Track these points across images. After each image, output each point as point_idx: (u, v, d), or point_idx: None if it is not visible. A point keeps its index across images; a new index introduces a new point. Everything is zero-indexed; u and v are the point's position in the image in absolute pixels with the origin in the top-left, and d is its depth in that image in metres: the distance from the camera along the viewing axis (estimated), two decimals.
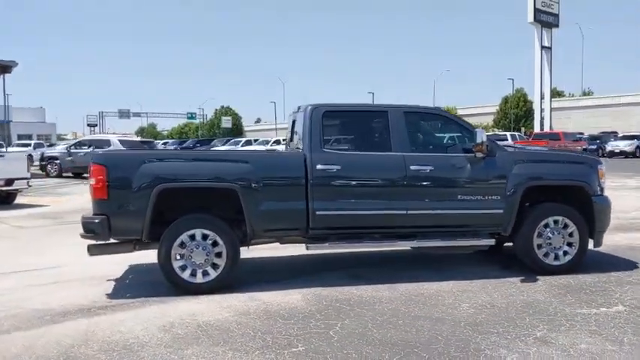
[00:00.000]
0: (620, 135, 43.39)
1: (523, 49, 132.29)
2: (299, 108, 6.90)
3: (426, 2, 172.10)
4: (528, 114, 64.73)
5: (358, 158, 6.42)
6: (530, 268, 6.63)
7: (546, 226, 6.58)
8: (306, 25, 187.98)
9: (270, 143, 38.81)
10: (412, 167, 6.34)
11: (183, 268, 5.95)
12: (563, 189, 6.86)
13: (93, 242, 6.16)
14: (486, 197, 6.48)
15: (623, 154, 38.18)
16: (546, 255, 6.59)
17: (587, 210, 6.67)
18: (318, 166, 6.17)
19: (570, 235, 6.61)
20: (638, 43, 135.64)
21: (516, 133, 45.17)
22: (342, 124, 6.58)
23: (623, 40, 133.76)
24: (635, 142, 39.05)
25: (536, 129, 47.71)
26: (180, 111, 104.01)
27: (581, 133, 44.53)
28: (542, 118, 48.53)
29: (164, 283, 6.27)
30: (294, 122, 7.24)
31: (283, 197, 6.17)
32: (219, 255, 6.00)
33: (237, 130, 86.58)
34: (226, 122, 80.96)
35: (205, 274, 5.99)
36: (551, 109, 49.37)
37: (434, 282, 6.34)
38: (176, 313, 5.36)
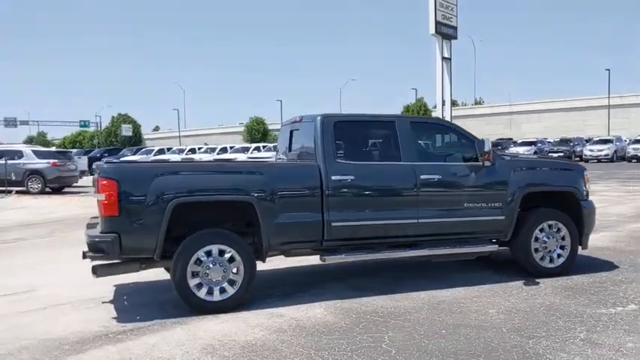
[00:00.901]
0: (520, 141, 46.18)
1: (424, 61, 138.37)
2: (302, 118, 6.77)
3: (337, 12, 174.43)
4: None
5: (371, 168, 6.38)
6: (525, 271, 6.88)
7: (542, 230, 6.86)
8: (205, 42, 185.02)
9: (190, 151, 37.82)
10: (422, 176, 6.39)
11: (199, 286, 5.65)
12: (554, 194, 7.17)
13: (99, 262, 5.69)
14: (490, 204, 6.65)
15: None
16: (542, 258, 6.86)
17: (576, 214, 7.03)
18: (334, 177, 6.08)
19: (563, 238, 6.93)
20: (523, 55, 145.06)
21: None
22: (351, 134, 6.49)
23: (511, 52, 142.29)
24: (533, 147, 41.80)
25: None
26: (72, 119, 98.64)
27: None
28: None
29: (167, 302, 6.01)
30: (291, 132, 7.10)
31: (299, 209, 6.01)
32: (236, 271, 5.76)
33: (136, 139, 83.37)
34: (126, 130, 77.63)
35: (222, 291, 5.71)
36: (452, 117, 51.72)
37: (444, 289, 6.41)
38: (207, 335, 5.07)
